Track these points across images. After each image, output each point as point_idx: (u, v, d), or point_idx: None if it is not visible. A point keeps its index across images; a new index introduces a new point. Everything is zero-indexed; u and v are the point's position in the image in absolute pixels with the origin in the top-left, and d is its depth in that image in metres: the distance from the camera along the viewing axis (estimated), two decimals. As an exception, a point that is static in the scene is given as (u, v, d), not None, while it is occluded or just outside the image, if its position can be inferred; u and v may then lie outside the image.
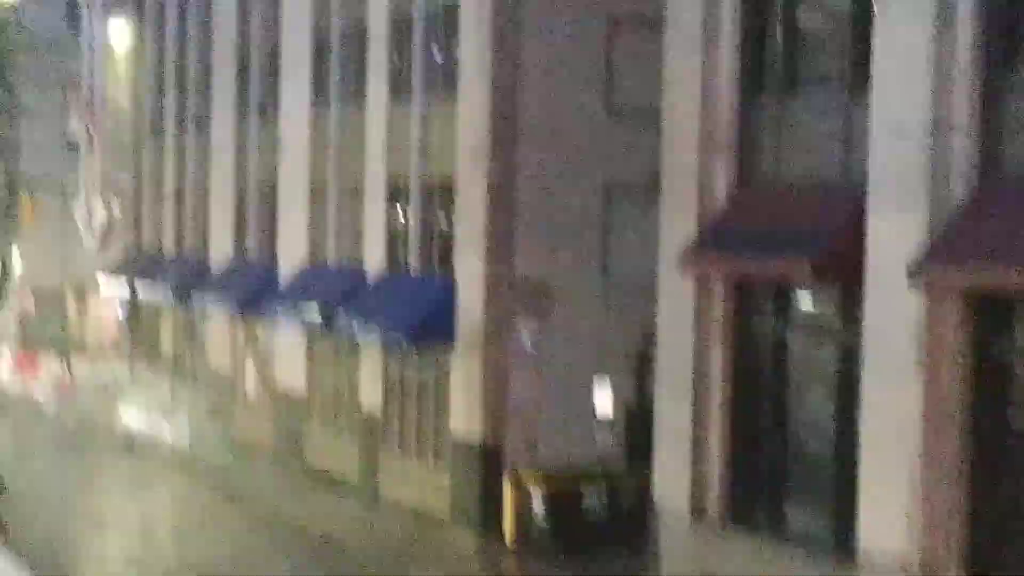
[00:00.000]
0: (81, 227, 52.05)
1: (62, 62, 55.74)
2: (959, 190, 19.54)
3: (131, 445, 40.91)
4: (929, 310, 19.79)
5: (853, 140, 21.51)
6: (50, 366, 53.41)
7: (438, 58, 32.94)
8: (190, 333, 47.33)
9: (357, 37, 36.51)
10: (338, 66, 37.36)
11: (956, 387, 19.78)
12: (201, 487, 35.78)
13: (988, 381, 19.72)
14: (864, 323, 21.03)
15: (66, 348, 57.44)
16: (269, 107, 41.22)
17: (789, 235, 22.19)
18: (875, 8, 20.86)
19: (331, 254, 37.73)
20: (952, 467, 19.78)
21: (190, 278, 44.98)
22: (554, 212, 29.89)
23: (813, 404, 23.10)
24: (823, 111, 22.59)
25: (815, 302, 23.14)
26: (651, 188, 25.71)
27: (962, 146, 19.52)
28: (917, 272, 19.29)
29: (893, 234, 20.19)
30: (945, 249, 19.27)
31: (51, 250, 60.28)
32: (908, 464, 19.98)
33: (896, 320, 20.20)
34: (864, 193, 20.86)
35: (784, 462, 23.44)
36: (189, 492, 35.59)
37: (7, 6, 59.46)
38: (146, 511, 34.23)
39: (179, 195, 48.59)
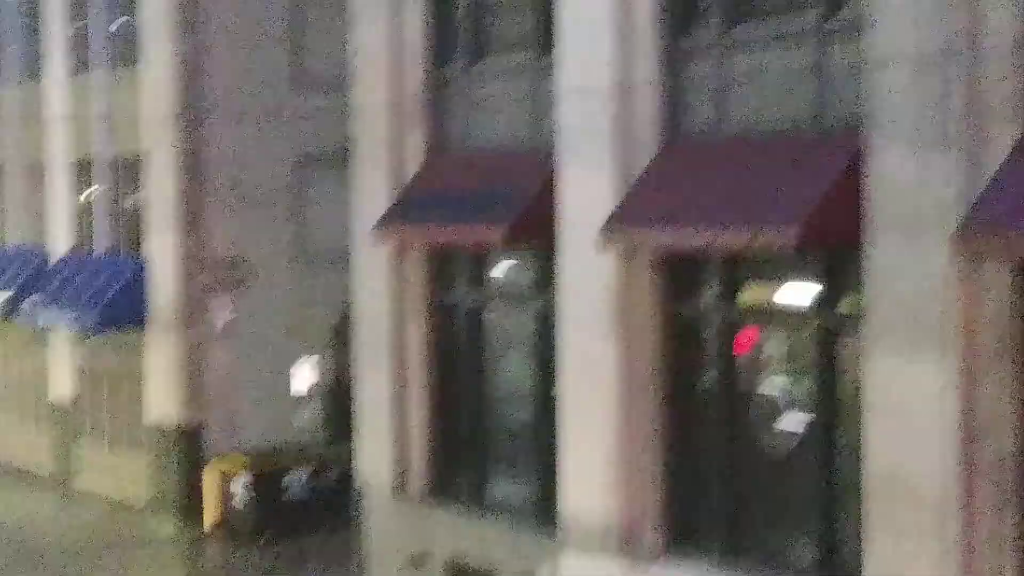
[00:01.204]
0: None
1: None
2: (642, 153, 20.05)
3: None
4: (619, 273, 20.26)
5: (543, 106, 21.75)
6: None
7: (118, 27, 32.25)
8: None
9: (31, 7, 35.72)
10: (10, 34, 36.53)
11: (648, 351, 20.31)
12: None
13: (678, 343, 20.32)
14: (560, 287, 21.34)
15: None
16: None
17: (484, 202, 22.41)
18: None
19: (8, 237, 36.65)
20: (648, 430, 20.29)
21: None
22: (247, 186, 29.78)
23: (514, 374, 23.35)
24: (512, 77, 22.84)
25: (512, 269, 23.35)
26: (346, 160, 25.86)
27: (644, 108, 20.03)
28: (606, 234, 19.73)
29: (583, 198, 20.56)
30: (631, 211, 19.71)
31: None
32: (606, 429, 20.43)
33: (590, 285, 20.53)
34: (554, 158, 21.23)
35: (486, 433, 23.69)
36: None
37: None
38: None
39: None
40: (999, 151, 15.72)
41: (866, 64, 16.95)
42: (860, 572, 17.13)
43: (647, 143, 19.97)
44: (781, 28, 18.75)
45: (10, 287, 34.24)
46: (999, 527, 15.99)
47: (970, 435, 16.01)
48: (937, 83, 16.19)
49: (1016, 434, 15.85)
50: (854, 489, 17.35)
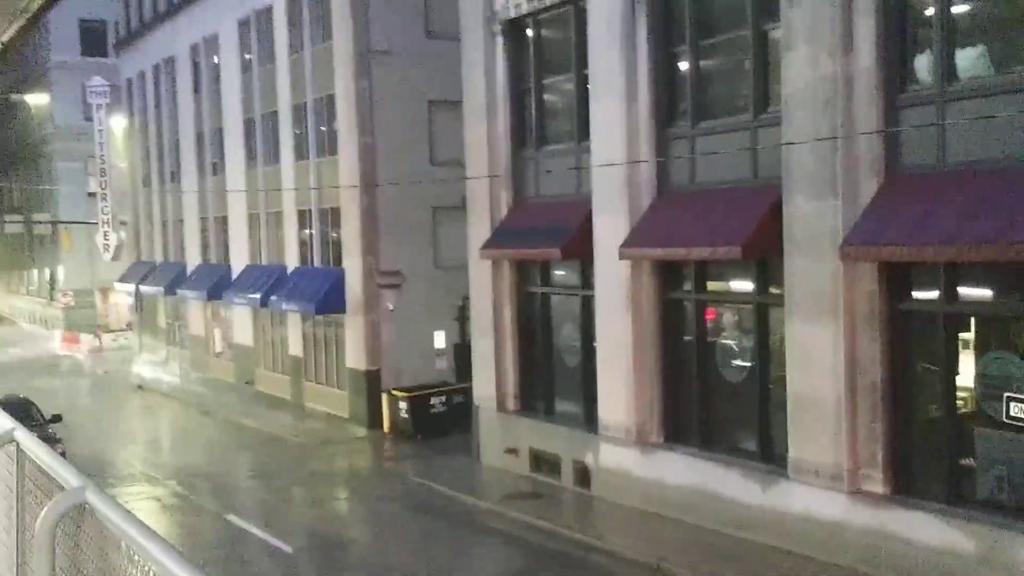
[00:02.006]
0: (101, 249, 50.58)
1: (81, 142, 54.32)
2: (644, 201, 19.87)
3: (140, 385, 40.24)
4: (631, 274, 20.16)
5: (584, 173, 21.50)
6: (88, 340, 52.18)
7: (324, 130, 32.43)
8: (176, 313, 46.46)
9: (270, 116, 35.92)
10: (262, 135, 36.66)
11: (650, 321, 20.22)
12: (187, 408, 35.40)
13: (669, 316, 20.22)
14: (595, 283, 21.22)
15: (98, 327, 56.37)
16: (219, 166, 40.29)
17: (547, 232, 22.26)
18: (589, 91, 21.01)
19: (263, 258, 37.03)
20: (651, 369, 20.22)
21: (174, 278, 44.07)
22: (402, 225, 29.76)
23: (567, 336, 23.06)
24: (563, 156, 22.50)
25: (565, 272, 23.15)
26: (461, 208, 25.88)
27: (646, 175, 19.87)
28: (622, 251, 19.69)
29: (609, 229, 20.46)
30: (637, 237, 19.61)
31: (83, 265, 59.00)
32: (626, 370, 20.36)
33: (613, 281, 20.47)
34: (591, 204, 21.13)
35: (551, 372, 23.48)
36: (179, 412, 35.21)
37: (44, 106, 57.87)
38: (152, 422, 33.94)
39: (164, 225, 47.40)
40: (866, 196, 15.61)
41: (783, 143, 16.81)
42: (787, 454, 17.06)
43: (646, 196, 19.83)
44: (730, 122, 18.56)
45: (264, 288, 34.50)
46: (872, 426, 15.89)
47: (851, 369, 15.95)
48: (826, 155, 16.04)
49: (880, 368, 15.75)
50: (781, 404, 17.27)
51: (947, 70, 14.86)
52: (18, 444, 4.41)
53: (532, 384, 24.07)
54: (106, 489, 18.45)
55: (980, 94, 14.47)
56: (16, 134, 70.84)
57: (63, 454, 24.12)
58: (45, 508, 3.36)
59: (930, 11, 14.99)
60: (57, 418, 26.15)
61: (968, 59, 14.86)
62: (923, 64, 15.26)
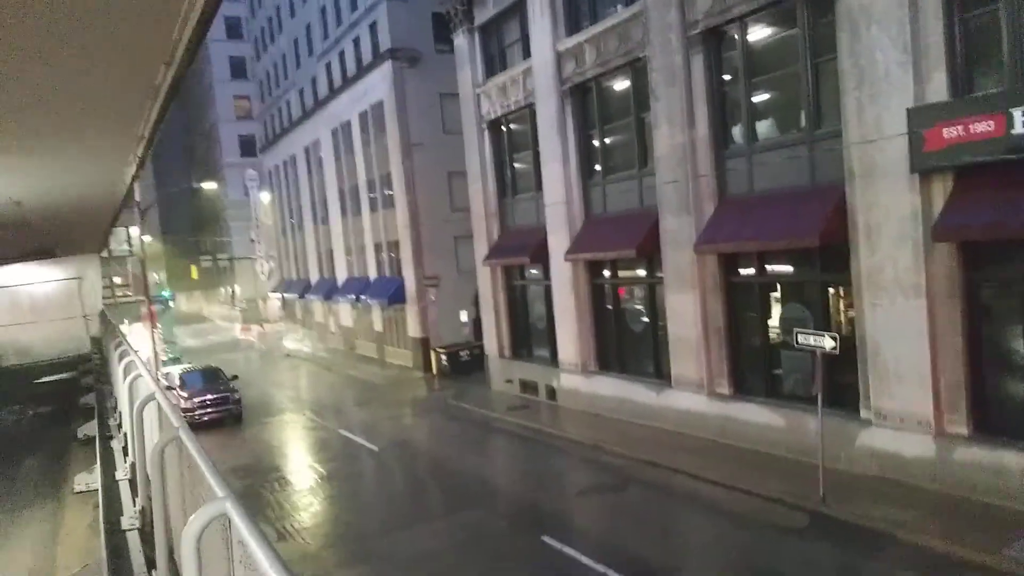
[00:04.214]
0: (259, 273, 50.68)
1: (243, 210, 54.51)
2: (577, 224, 19.77)
3: (288, 355, 40.23)
4: (572, 270, 19.95)
5: (540, 210, 21.22)
6: (255, 328, 52.19)
7: (386, 193, 32.30)
8: (307, 309, 46.50)
9: (353, 187, 35.72)
10: (349, 198, 36.43)
11: (585, 298, 20.15)
12: (317, 367, 35.25)
13: (596, 294, 20.17)
14: (552, 277, 20.95)
15: (260, 320, 56.31)
16: (325, 219, 40.27)
17: (521, 247, 22.18)
18: (541, 159, 20.82)
19: (355, 272, 36.88)
20: (587, 327, 20.07)
21: (304, 287, 44.15)
22: (437, 248, 29.74)
23: (537, 310, 22.84)
24: (527, 200, 22.34)
25: (534, 271, 22.96)
26: (470, 236, 25.66)
27: (577, 209, 19.67)
28: (567, 256, 19.57)
29: (557, 243, 20.21)
30: (574, 247, 19.60)
31: (249, 283, 59.07)
32: (572, 327, 20.25)
33: (562, 275, 20.29)
34: (546, 229, 20.95)
35: (529, 332, 23.36)
36: (312, 369, 35.04)
37: (218, 189, 58.21)
38: (294, 376, 33.64)
39: (295, 256, 47.44)
40: (708, 214, 15.59)
41: (656, 183, 16.83)
42: (671, 373, 17.11)
43: (578, 221, 19.72)
44: (624, 174, 18.35)
45: (357, 290, 34.50)
46: (719, 353, 15.92)
47: (705, 320, 15.91)
48: (682, 190, 16.04)
49: (723, 318, 15.73)
50: (665, 343, 17.24)
51: (750, 135, 14.91)
52: (182, 443, 3.62)
53: (518, 340, 24.03)
54: (266, 419, 18.49)
55: (769, 148, 14.47)
56: (204, 207, 71.10)
57: (239, 399, 24.57)
58: (192, 516, 2.55)
59: (740, 100, 15.00)
60: (235, 377, 26.17)
61: (762, 128, 14.88)
62: (737, 132, 15.26)
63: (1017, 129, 9.84)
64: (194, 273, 71.32)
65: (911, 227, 11.53)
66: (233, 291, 66.40)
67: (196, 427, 21.24)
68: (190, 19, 4.12)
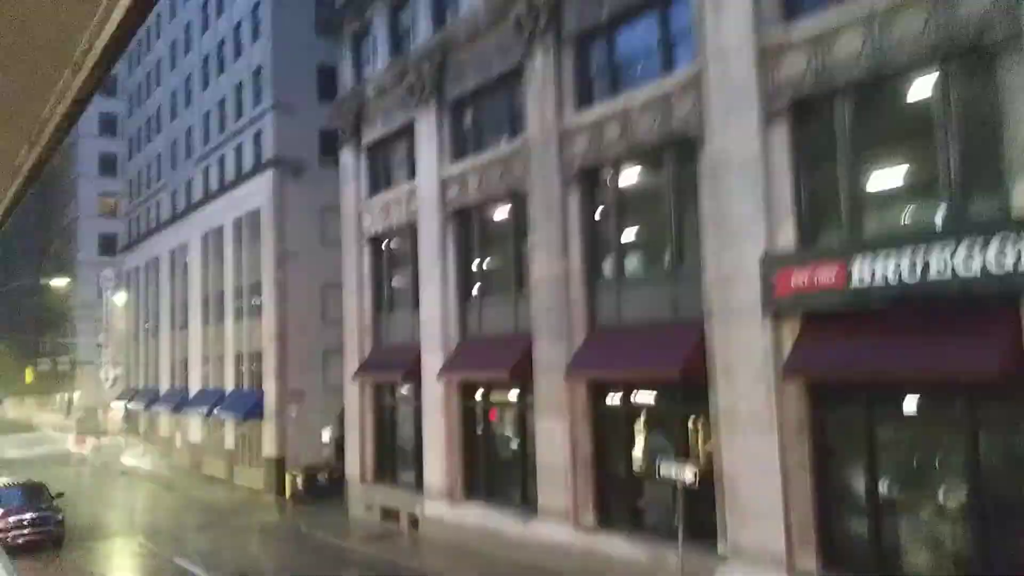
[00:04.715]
0: (104, 380, 46.46)
1: (94, 310, 50.61)
2: (452, 344, 19.43)
3: (126, 472, 36.29)
4: (444, 390, 19.53)
5: (415, 328, 20.84)
6: (91, 440, 47.09)
7: (254, 303, 30.93)
8: (152, 421, 42.61)
9: (219, 293, 34.03)
10: (212, 306, 34.62)
11: (456, 420, 19.60)
12: (156, 486, 31.86)
13: (467, 416, 19.66)
14: (423, 396, 20.34)
15: (97, 431, 50.95)
16: (182, 325, 37.85)
17: (393, 364, 21.59)
18: (420, 277, 20.67)
19: (211, 384, 34.53)
20: (456, 451, 19.41)
21: (152, 398, 40.67)
22: (303, 360, 28.43)
23: (405, 431, 21.89)
24: (403, 317, 21.90)
25: (405, 390, 22.24)
26: (340, 350, 24.60)
27: (453, 329, 19.53)
28: (440, 375, 19.12)
29: (431, 362, 19.87)
30: (447, 366, 19.23)
31: (91, 391, 53.93)
32: (440, 451, 19.55)
33: (433, 394, 19.72)
34: (420, 347, 20.54)
35: (395, 455, 22.36)
36: (151, 488, 31.60)
37: (66, 288, 53.93)
38: (130, 496, 30.24)
39: (146, 363, 43.83)
40: (579, 341, 15.78)
41: (532, 309, 16.98)
42: (537, 502, 16.61)
43: (453, 341, 19.40)
44: (501, 297, 18.46)
45: (210, 403, 32.12)
46: (585, 482, 15.67)
47: (573, 447, 15.73)
48: (556, 316, 16.21)
49: (591, 445, 15.62)
50: (533, 470, 16.87)
51: (619, 269, 15.48)
52: None
53: (383, 463, 22.82)
54: (91, 543, 16.21)
55: (636, 282, 15.05)
56: (50, 306, 65.45)
57: (62, 520, 21.64)
58: None
59: (611, 236, 15.63)
60: (60, 495, 23.19)
61: (630, 263, 15.52)
62: (608, 265, 15.78)
63: (855, 282, 10.68)
64: (29, 376, 64.47)
65: (764, 366, 12.06)
66: (70, 399, 60.27)
67: (10, 550, 18.63)
68: (64, 98, 3.70)
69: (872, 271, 10.47)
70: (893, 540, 11.01)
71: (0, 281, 77.42)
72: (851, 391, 11.30)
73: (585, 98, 16.13)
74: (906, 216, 10.93)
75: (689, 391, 13.68)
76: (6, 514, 20.89)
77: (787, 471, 11.78)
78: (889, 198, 11.20)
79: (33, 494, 22.34)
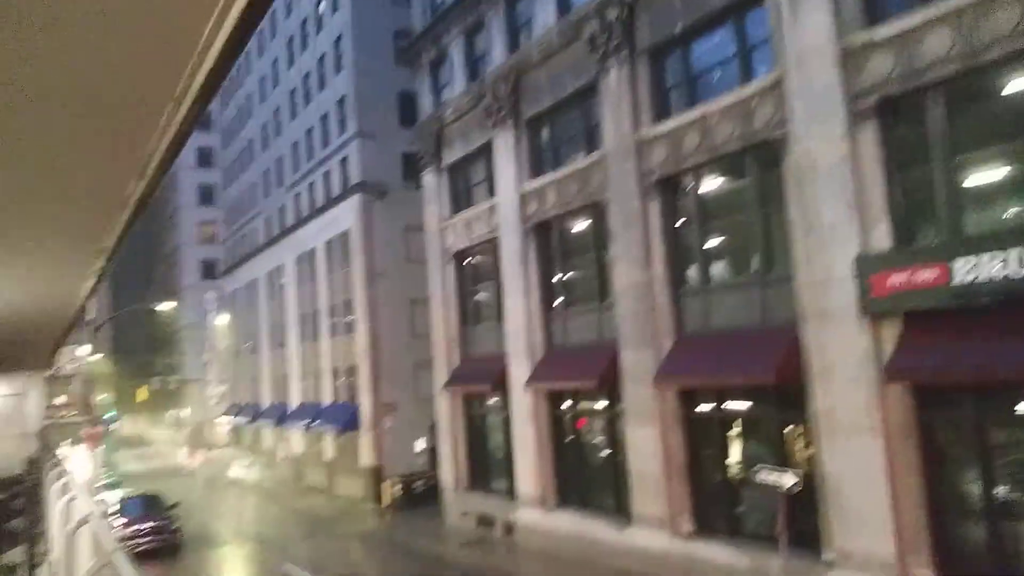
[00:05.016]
0: (210, 397, 48.88)
1: (199, 332, 53.38)
2: (538, 354, 19.59)
3: (233, 483, 38.08)
4: (533, 399, 19.70)
5: (501, 339, 21.08)
6: (200, 454, 49.47)
7: (347, 320, 31.93)
8: (256, 435, 44.51)
9: (313, 312, 35.36)
10: (308, 324, 35.99)
11: (545, 428, 19.71)
12: (262, 496, 33.25)
13: (557, 424, 19.77)
14: (511, 406, 20.49)
15: (206, 446, 53.49)
16: (280, 343, 39.53)
17: (481, 375, 21.84)
18: (503, 290, 20.89)
19: (309, 398, 35.84)
20: (547, 460, 19.53)
21: (255, 413, 42.57)
22: (395, 374, 29.19)
23: (496, 440, 22.22)
24: (489, 329, 22.13)
25: (494, 400, 22.47)
26: (430, 364, 25.06)
27: (539, 339, 19.68)
28: (527, 385, 19.28)
29: (518, 372, 20.05)
30: (534, 376, 19.39)
31: (198, 407, 56.85)
32: (532, 460, 19.68)
33: (522, 404, 19.88)
34: (507, 358, 20.77)
35: (488, 463, 22.64)
36: (257, 499, 32.97)
37: (172, 311, 57.08)
38: (238, 505, 31.53)
39: (250, 380, 45.96)
40: (666, 348, 15.67)
41: (616, 317, 16.97)
42: (631, 509, 16.55)
43: (538, 351, 19.49)
44: (585, 307, 18.50)
45: (309, 417, 33.30)
46: (681, 490, 15.52)
47: (666, 454, 15.62)
48: (641, 325, 16.17)
49: (684, 453, 15.47)
50: (626, 476, 16.80)
51: (705, 275, 15.33)
52: (117, 570, 3.79)
53: (476, 471, 23.15)
54: (205, 550, 17.10)
55: (724, 288, 14.84)
56: (159, 328, 69.38)
57: (178, 529, 22.96)
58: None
59: (694, 243, 15.50)
60: (175, 505, 24.59)
61: (716, 269, 15.34)
62: (693, 272, 15.67)
63: (957, 280, 10.28)
64: (141, 395, 68.56)
65: (863, 368, 11.71)
66: (180, 415, 63.61)
67: (131, 556, 19.69)
68: (167, 131, 4.04)
69: (976, 269, 10.06)
70: (1012, 545, 10.49)
71: (112, 307, 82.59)
72: (959, 392, 10.85)
73: (662, 109, 16.08)
74: (1009, 211, 10.45)
75: (784, 396, 13.40)
76: (129, 523, 22.28)
77: (894, 475, 11.39)
78: (990, 193, 10.74)
79: (152, 504, 23.75)
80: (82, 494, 5.94)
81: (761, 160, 13.87)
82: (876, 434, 11.51)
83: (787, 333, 13.04)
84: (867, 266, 11.53)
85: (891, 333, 11.42)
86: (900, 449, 11.36)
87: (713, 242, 15.31)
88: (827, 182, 12.22)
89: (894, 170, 11.59)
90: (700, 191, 15.32)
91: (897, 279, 11.06)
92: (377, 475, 28.49)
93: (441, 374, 23.93)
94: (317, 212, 34.29)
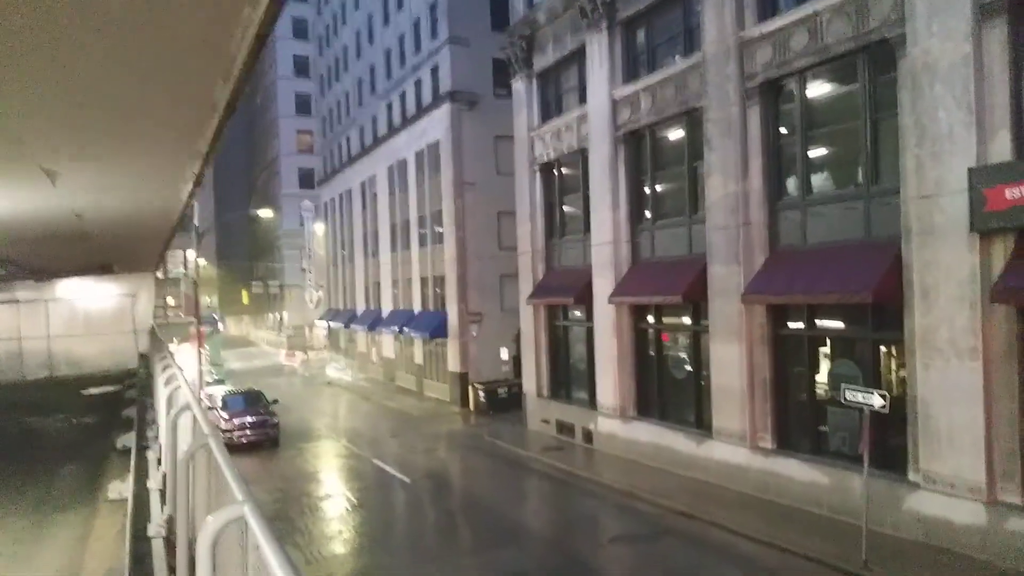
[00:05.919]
0: (308, 302, 51.47)
1: (297, 239, 55.83)
2: (623, 268, 19.55)
3: (330, 383, 40.43)
4: (616, 313, 19.77)
5: (586, 252, 21.20)
6: (299, 355, 52.69)
7: (436, 230, 32.58)
8: (351, 338, 46.76)
9: (404, 222, 36.21)
10: (400, 233, 36.92)
11: (627, 342, 19.84)
12: (356, 396, 35.24)
13: (639, 339, 19.82)
14: (594, 319, 20.71)
15: (305, 347, 56.94)
16: (375, 252, 40.84)
17: (565, 288, 22.08)
18: (590, 202, 20.71)
19: (400, 305, 37.06)
20: (628, 372, 19.73)
21: (350, 317, 44.58)
22: (482, 285, 29.82)
23: (578, 351, 22.62)
24: (575, 242, 22.31)
25: (577, 312, 22.78)
26: (515, 275, 25.62)
27: (624, 253, 19.59)
28: (611, 299, 19.33)
29: (602, 286, 20.10)
30: (619, 290, 19.39)
31: (297, 311, 60.16)
32: (613, 371, 19.92)
33: (605, 317, 20.02)
34: (591, 271, 20.81)
35: (569, 373, 23.11)
36: (352, 397, 34.98)
37: (274, 218, 59.70)
38: (333, 404, 33.52)
39: (344, 287, 47.95)
40: (758, 264, 15.28)
41: (706, 231, 16.58)
42: (712, 423, 16.61)
43: (624, 265, 19.49)
44: (674, 220, 18.17)
45: (401, 323, 34.59)
46: (763, 406, 15.42)
47: (750, 371, 15.52)
48: (732, 239, 15.78)
49: (769, 370, 15.30)
50: (708, 391, 16.85)
51: (805, 187, 14.65)
52: (210, 450, 3.73)
53: (557, 380, 23.73)
54: (302, 444, 18.42)
55: (823, 201, 14.22)
56: (260, 235, 72.91)
57: (277, 424, 24.71)
58: (210, 516, 2.53)
59: (796, 153, 14.77)
60: (275, 402, 26.29)
61: (817, 181, 14.62)
62: (791, 184, 15.02)
63: (1087, 191, 9.39)
64: (245, 298, 72.83)
65: (969, 288, 11.07)
66: (281, 317, 67.44)
67: (233, 449, 21.37)
68: (247, 32, 4.13)
69: (1111, 181, 9.14)
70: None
71: (217, 215, 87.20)
72: (1074, 316, 10.11)
73: (768, 6, 15.08)
74: None
75: (880, 315, 12.92)
76: (231, 417, 23.92)
77: (991, 399, 10.90)
78: None
79: (253, 400, 25.45)
80: (184, 384, 6.39)
81: (874, 62, 12.90)
82: (976, 356, 10.98)
83: (888, 250, 12.42)
84: (983, 178, 10.69)
85: (1002, 252, 10.70)
86: (1000, 373, 10.83)
87: (815, 152, 14.56)
88: (946, 85, 11.25)
89: (1021, 74, 10.51)
90: (806, 96, 14.45)
91: (1016, 192, 10.22)
92: (463, 380, 29.62)
93: (526, 286, 24.29)
94: (408, 122, 34.59)
